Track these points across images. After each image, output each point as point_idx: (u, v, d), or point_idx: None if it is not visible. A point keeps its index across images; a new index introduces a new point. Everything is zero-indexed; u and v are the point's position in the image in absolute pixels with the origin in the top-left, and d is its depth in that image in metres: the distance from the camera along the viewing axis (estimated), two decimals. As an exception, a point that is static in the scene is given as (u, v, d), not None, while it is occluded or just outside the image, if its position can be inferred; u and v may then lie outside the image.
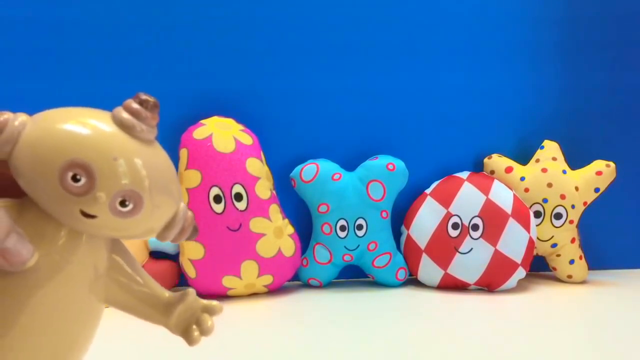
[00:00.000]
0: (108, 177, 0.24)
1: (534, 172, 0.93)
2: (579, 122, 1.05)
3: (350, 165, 0.92)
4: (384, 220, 0.90)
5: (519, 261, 0.85)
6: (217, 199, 0.80)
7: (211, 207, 0.80)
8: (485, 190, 0.88)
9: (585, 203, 0.93)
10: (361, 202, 0.88)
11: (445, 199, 0.90)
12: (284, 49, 0.95)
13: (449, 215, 0.89)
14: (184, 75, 0.91)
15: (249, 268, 0.81)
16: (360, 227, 0.88)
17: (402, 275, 0.91)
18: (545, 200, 0.91)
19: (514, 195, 0.88)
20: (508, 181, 0.94)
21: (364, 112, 0.98)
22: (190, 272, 0.82)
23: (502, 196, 0.88)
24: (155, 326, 0.32)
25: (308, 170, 0.89)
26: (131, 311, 0.31)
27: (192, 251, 0.81)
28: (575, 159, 0.96)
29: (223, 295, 0.84)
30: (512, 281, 0.86)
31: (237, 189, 0.80)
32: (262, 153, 0.86)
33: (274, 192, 0.86)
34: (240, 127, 0.86)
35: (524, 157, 0.99)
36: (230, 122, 0.86)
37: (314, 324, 0.68)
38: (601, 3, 1.05)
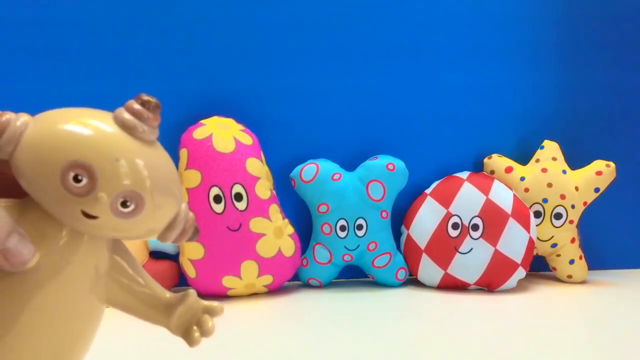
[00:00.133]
0: (109, 178, 0.24)
1: (534, 172, 0.93)
2: (579, 122, 1.05)
3: (350, 165, 0.92)
4: (384, 220, 0.90)
5: (519, 261, 0.85)
6: (217, 199, 0.80)
7: (211, 207, 0.80)
8: (485, 190, 0.88)
9: (585, 203, 0.93)
10: (361, 202, 0.88)
11: (445, 199, 0.90)
12: (284, 49, 0.95)
13: (449, 215, 0.89)
14: (184, 75, 0.91)
15: (249, 268, 0.81)
16: (360, 227, 0.88)
17: (402, 275, 0.91)
18: (545, 200, 0.91)
19: (514, 195, 0.89)
20: (508, 181, 0.94)
21: (364, 112, 0.98)
22: (190, 272, 0.82)
23: (502, 196, 0.88)
24: (156, 326, 0.32)
25: (308, 170, 0.89)
26: (132, 312, 0.31)
27: (192, 251, 0.81)
28: (575, 159, 0.96)
29: (223, 295, 0.84)
30: (512, 281, 0.86)
31: (237, 189, 0.80)
32: (262, 153, 0.86)
33: (274, 192, 0.86)
34: (240, 127, 0.86)
35: (524, 157, 0.99)
36: (230, 122, 0.86)
37: (314, 324, 0.68)
38: (601, 3, 1.05)
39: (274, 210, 0.84)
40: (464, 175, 0.92)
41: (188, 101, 0.90)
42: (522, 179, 0.93)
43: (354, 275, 0.99)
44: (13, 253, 0.24)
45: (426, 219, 0.90)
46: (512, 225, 0.86)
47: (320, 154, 0.94)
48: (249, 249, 0.81)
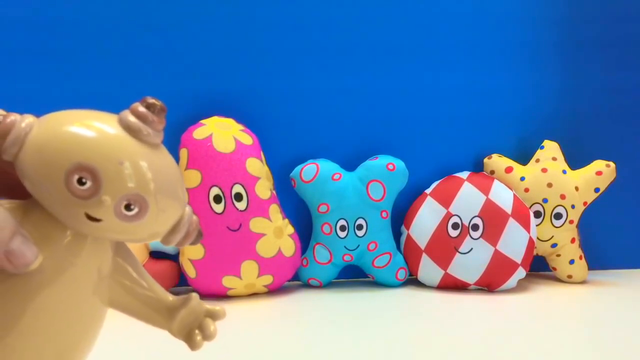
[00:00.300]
0: (114, 181, 0.24)
1: (534, 172, 0.93)
2: (579, 122, 1.05)
3: (350, 165, 0.92)
4: (384, 220, 0.90)
5: (519, 261, 0.85)
6: (217, 199, 0.80)
7: (211, 207, 0.80)
8: (485, 190, 0.88)
9: (585, 203, 0.93)
10: (361, 202, 0.88)
11: (445, 199, 0.90)
12: (284, 49, 0.95)
13: (449, 215, 0.89)
14: (184, 75, 0.91)
15: (249, 268, 0.81)
16: (360, 227, 0.88)
17: (402, 275, 0.91)
18: (545, 200, 0.91)
19: (514, 195, 0.89)
20: (508, 181, 0.94)
21: (364, 112, 0.98)
22: (190, 272, 0.82)
23: (502, 196, 0.88)
24: (157, 329, 0.32)
25: (308, 170, 0.89)
26: (134, 314, 0.31)
27: (192, 251, 0.81)
28: (575, 159, 0.96)
29: (223, 295, 0.84)
30: (512, 281, 0.86)
31: (237, 189, 0.80)
32: (262, 153, 0.86)
33: (274, 192, 0.86)
34: (240, 127, 0.86)
35: (524, 157, 0.99)
36: (230, 122, 0.86)
37: (314, 324, 0.68)
38: (601, 3, 1.05)
39: (274, 210, 0.84)
40: (464, 175, 0.92)
41: (188, 101, 0.90)
42: (522, 179, 0.93)
43: (354, 275, 0.99)
44: (16, 255, 0.24)
45: (426, 219, 0.90)
46: (512, 225, 0.86)
47: (320, 154, 0.94)
48: (249, 249, 0.81)
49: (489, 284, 0.87)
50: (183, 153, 0.81)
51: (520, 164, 0.97)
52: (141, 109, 0.26)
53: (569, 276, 0.95)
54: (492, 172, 0.96)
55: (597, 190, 0.93)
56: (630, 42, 1.06)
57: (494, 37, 1.01)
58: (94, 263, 0.28)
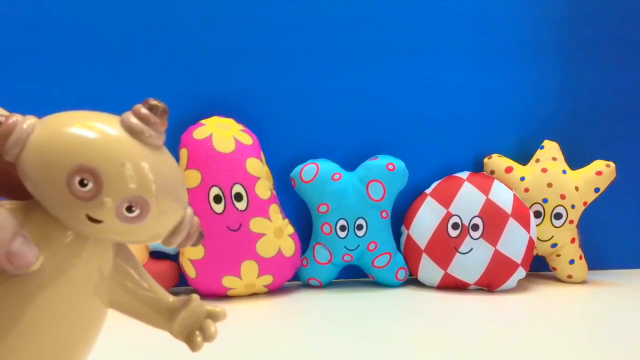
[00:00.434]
0: (115, 183, 0.24)
1: (534, 172, 0.93)
2: (579, 122, 1.05)
3: (350, 165, 0.92)
4: (384, 220, 0.90)
5: (519, 261, 0.85)
6: (217, 199, 0.80)
7: (211, 207, 0.80)
8: (485, 190, 0.88)
9: (585, 203, 0.93)
10: (361, 202, 0.88)
11: (445, 199, 0.90)
12: (284, 49, 0.95)
13: (449, 215, 0.89)
14: (184, 75, 0.91)
15: (249, 268, 0.81)
16: (360, 227, 0.88)
17: (402, 275, 0.91)
18: (545, 200, 0.91)
19: (514, 195, 0.89)
20: (508, 181, 0.94)
21: (364, 112, 0.98)
22: (190, 272, 0.82)
23: (502, 196, 0.88)
24: (158, 330, 0.32)
25: (308, 170, 0.89)
26: (134, 315, 0.31)
27: (192, 251, 0.81)
28: (575, 159, 0.96)
29: (223, 295, 0.84)
30: (512, 281, 0.86)
31: (237, 189, 0.80)
32: (262, 153, 0.86)
33: (274, 192, 0.86)
34: (240, 127, 0.86)
35: (524, 157, 0.99)
36: (230, 122, 0.85)
37: (314, 324, 0.68)
38: (601, 3, 1.05)
39: (274, 210, 0.84)
40: (464, 175, 0.92)
41: (188, 101, 0.90)
42: (522, 179, 0.93)
43: (354, 275, 0.99)
44: (17, 256, 0.24)
45: (426, 219, 0.90)
46: (512, 225, 0.86)
47: (320, 154, 0.94)
48: (249, 249, 0.81)
49: (489, 284, 0.87)
50: (183, 153, 0.81)
51: (520, 164, 0.97)
52: (143, 110, 0.26)
53: (569, 276, 0.95)
54: (492, 172, 0.96)
55: (597, 190, 0.93)
56: (630, 42, 1.06)
57: (494, 37, 1.01)
58: (94, 264, 0.28)
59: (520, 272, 0.86)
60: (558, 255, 0.95)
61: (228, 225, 0.80)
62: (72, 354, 0.28)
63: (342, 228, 0.88)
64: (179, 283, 0.88)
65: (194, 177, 0.80)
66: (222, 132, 0.82)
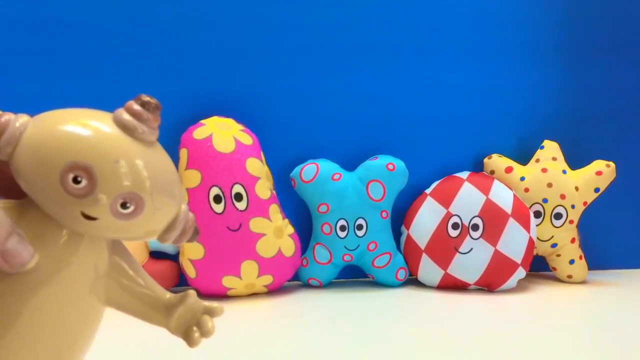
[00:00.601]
0: (109, 179, 0.24)
1: (534, 172, 0.93)
2: (579, 122, 1.05)
3: (350, 165, 0.92)
4: (384, 220, 0.90)
5: (519, 261, 0.85)
6: (217, 199, 0.80)
7: (211, 207, 0.80)
8: (485, 190, 0.88)
9: (585, 203, 0.93)
10: (361, 202, 0.88)
11: (445, 199, 0.90)
12: (284, 49, 0.95)
13: (449, 215, 0.89)
14: (184, 75, 0.91)
15: (249, 268, 0.81)
16: (360, 227, 0.88)
17: (402, 275, 0.91)
18: (545, 200, 0.91)
19: (514, 195, 0.88)
20: (508, 181, 0.94)
21: (364, 112, 0.98)
22: (190, 272, 0.82)
23: (502, 196, 0.88)
24: (155, 327, 0.32)
25: (308, 170, 0.89)
26: (131, 312, 0.31)
27: (192, 251, 0.81)
28: (575, 159, 0.96)
29: (223, 295, 0.84)
30: (512, 281, 0.86)
31: (237, 189, 0.80)
32: (262, 153, 0.86)
33: (274, 192, 0.86)
34: (240, 127, 0.86)
35: (524, 157, 0.99)
36: (230, 122, 0.85)
37: (314, 324, 0.68)
38: (601, 3, 1.05)
39: (274, 210, 0.84)
40: (464, 175, 0.92)
41: (188, 101, 0.90)
42: (522, 179, 0.93)
43: (354, 275, 0.99)
44: (12, 254, 0.24)
45: (426, 219, 0.90)
46: (512, 225, 0.86)
47: (320, 154, 0.94)
48: (249, 249, 0.81)
49: (489, 284, 0.87)
50: (183, 153, 0.81)
51: (520, 164, 0.97)
52: (136, 107, 0.26)
53: (569, 276, 0.95)
54: (492, 172, 0.96)
55: (597, 190, 0.93)
56: (630, 42, 1.06)
57: (494, 37, 1.01)
58: (90, 261, 0.28)
59: (520, 272, 0.86)
60: (558, 255, 0.95)
61: (228, 225, 0.80)
62: (70, 352, 0.28)
63: (342, 228, 0.88)
64: (179, 283, 0.88)
65: (194, 177, 0.80)
66: (222, 132, 0.82)
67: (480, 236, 0.86)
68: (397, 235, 0.94)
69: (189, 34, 0.91)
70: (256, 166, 0.83)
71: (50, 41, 0.87)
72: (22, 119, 0.24)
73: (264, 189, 0.83)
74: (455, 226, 0.88)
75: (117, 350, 0.54)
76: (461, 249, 0.87)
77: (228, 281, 0.82)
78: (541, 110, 1.03)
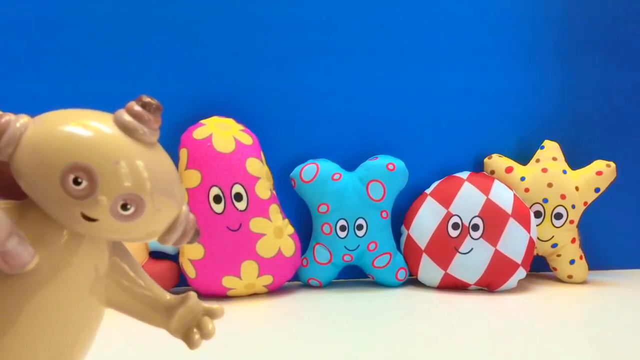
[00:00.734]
0: (110, 181, 0.24)
1: (534, 172, 0.93)
2: (579, 122, 1.05)
3: (350, 165, 0.92)
4: (384, 220, 0.90)
5: (519, 261, 0.85)
6: (217, 199, 0.80)
7: (211, 207, 0.80)
8: (486, 190, 0.88)
9: (585, 203, 0.93)
10: (361, 202, 0.88)
11: (446, 199, 0.90)
12: (284, 49, 0.95)
13: (449, 215, 0.89)
14: (184, 75, 0.91)
15: (249, 268, 0.81)
16: (360, 227, 0.88)
17: (402, 275, 0.91)
18: (545, 200, 0.91)
19: (514, 195, 0.88)
20: (508, 181, 0.93)
21: (364, 112, 0.98)
22: (190, 272, 0.82)
23: (503, 196, 0.88)
24: (155, 328, 0.32)
25: (308, 170, 0.89)
26: (132, 313, 0.31)
27: (191, 251, 0.81)
28: (575, 159, 0.96)
29: (223, 296, 0.84)
30: (513, 281, 0.86)
31: (237, 189, 0.80)
32: (262, 153, 0.86)
33: (274, 192, 0.86)
34: (240, 127, 0.86)
35: (524, 157, 0.99)
36: (230, 122, 0.85)
37: (314, 324, 0.68)
38: (601, 3, 1.05)
39: (274, 210, 0.84)
40: (464, 175, 0.92)
41: (188, 101, 0.90)
42: (523, 179, 0.93)
43: (354, 275, 0.98)
44: (12, 255, 0.24)
45: (426, 219, 0.90)
46: (513, 225, 0.86)
47: (320, 154, 0.94)
48: (249, 249, 0.81)
49: (489, 284, 0.87)
50: (183, 153, 0.81)
51: (521, 164, 0.97)
52: (137, 107, 0.25)
53: (569, 276, 0.95)
54: (492, 172, 0.96)
55: (597, 190, 0.93)
56: (630, 42, 1.06)
57: (494, 37, 1.01)
58: (90, 262, 0.28)
59: (521, 272, 0.86)
60: (558, 256, 0.94)
61: (228, 225, 0.80)
62: (69, 353, 0.28)
63: (342, 228, 0.88)
64: (179, 283, 0.88)
65: (194, 177, 0.80)
66: (222, 132, 0.82)
67: (481, 236, 0.86)
68: (397, 235, 0.94)
69: (189, 34, 0.91)
70: (256, 166, 0.82)
71: (50, 41, 0.87)
72: (23, 119, 0.24)
73: (264, 189, 0.83)
74: (455, 226, 0.88)
75: (117, 350, 0.54)
76: (461, 249, 0.87)
77: (228, 281, 0.81)
78: (541, 110, 1.03)
